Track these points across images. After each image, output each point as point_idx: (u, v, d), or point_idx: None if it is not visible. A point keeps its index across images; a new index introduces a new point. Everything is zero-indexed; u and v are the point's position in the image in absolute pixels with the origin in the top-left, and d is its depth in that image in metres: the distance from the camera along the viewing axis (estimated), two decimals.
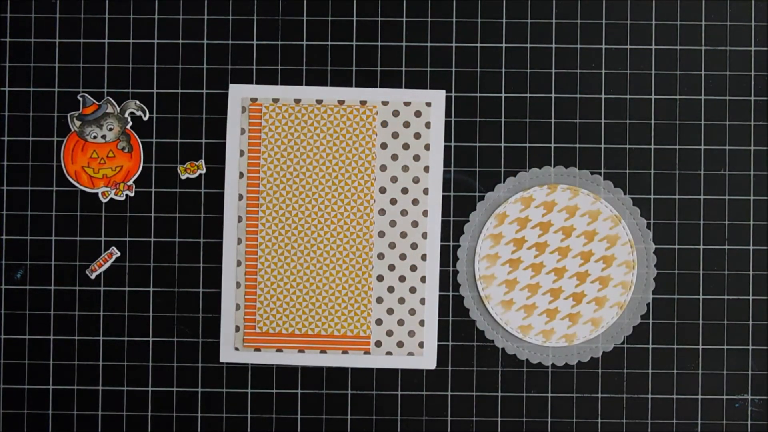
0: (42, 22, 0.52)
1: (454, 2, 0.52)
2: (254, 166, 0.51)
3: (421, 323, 0.51)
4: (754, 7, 0.52)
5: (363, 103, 0.51)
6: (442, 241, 0.52)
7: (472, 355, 0.52)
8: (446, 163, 0.52)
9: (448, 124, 0.52)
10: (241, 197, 0.51)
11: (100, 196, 0.51)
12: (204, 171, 0.52)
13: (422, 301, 0.51)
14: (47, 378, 0.52)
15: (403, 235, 0.51)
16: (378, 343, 0.51)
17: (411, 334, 0.51)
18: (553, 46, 0.52)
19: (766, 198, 0.52)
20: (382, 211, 0.51)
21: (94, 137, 0.51)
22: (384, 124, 0.51)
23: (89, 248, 0.52)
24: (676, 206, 0.52)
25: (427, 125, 0.51)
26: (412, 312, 0.51)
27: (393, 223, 0.51)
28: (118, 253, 0.52)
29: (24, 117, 0.52)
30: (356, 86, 0.51)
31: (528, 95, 0.52)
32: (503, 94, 0.52)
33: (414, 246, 0.51)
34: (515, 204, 0.52)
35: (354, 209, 0.51)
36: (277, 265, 0.51)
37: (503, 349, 0.52)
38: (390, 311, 0.51)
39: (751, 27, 0.52)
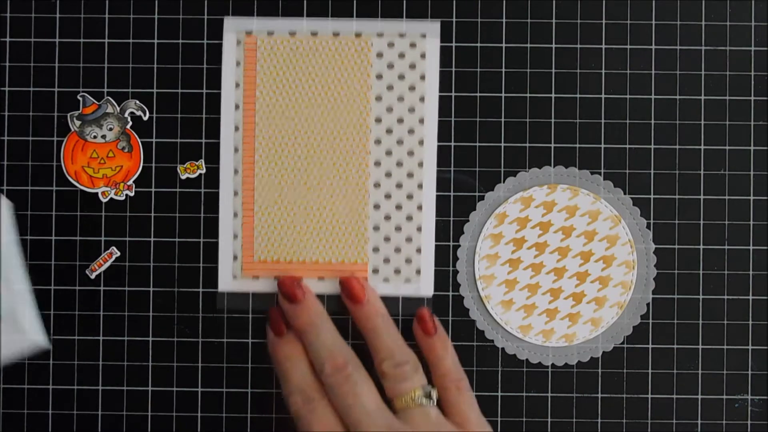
0: (42, 22, 0.52)
1: (454, 2, 0.52)
2: (250, 97, 0.51)
3: (418, 250, 0.51)
4: (754, 7, 0.52)
5: (358, 35, 0.51)
6: (441, 241, 0.52)
7: (472, 355, 0.52)
8: (446, 163, 0.52)
9: (448, 124, 0.52)
10: (237, 128, 0.51)
11: (100, 196, 0.51)
12: (204, 171, 0.52)
13: (419, 229, 0.51)
14: (47, 378, 0.52)
15: (399, 164, 0.51)
16: (375, 270, 0.51)
17: (408, 261, 0.51)
18: (553, 46, 0.52)
19: (766, 198, 0.52)
20: (377, 141, 0.51)
21: (94, 137, 0.51)
22: (379, 55, 0.51)
23: (89, 248, 0.52)
24: (676, 206, 0.52)
25: (423, 56, 0.51)
26: (408, 239, 0.51)
27: (389, 153, 0.51)
28: (118, 253, 0.52)
29: (24, 117, 0.52)
30: (357, 17, 0.51)
31: (528, 95, 0.52)
32: (503, 94, 0.52)
33: (410, 175, 0.51)
34: (515, 204, 0.52)
35: (350, 140, 0.51)
36: (274, 194, 0.51)
37: (503, 349, 0.52)
38: (387, 239, 0.51)
39: (751, 27, 0.52)
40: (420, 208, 0.51)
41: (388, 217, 0.51)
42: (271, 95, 0.51)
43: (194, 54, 0.52)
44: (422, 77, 0.51)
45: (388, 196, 0.51)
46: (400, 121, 0.51)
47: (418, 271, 0.52)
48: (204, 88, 0.52)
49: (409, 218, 0.51)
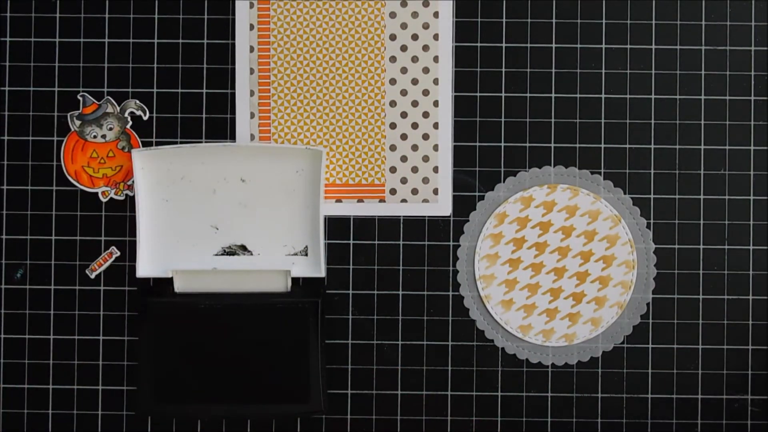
0: (42, 22, 0.52)
1: (454, 2, 0.52)
2: (264, 61, 0.50)
3: (435, 170, 0.51)
4: (754, 7, 0.52)
5: None
6: (441, 241, 0.52)
7: (472, 355, 0.52)
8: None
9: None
10: (252, 71, 0.51)
11: (100, 195, 0.51)
12: None
13: (435, 148, 0.51)
14: (47, 378, 0.52)
15: (415, 81, 0.51)
16: (393, 191, 0.51)
17: (425, 181, 0.51)
18: (553, 46, 0.52)
19: (766, 198, 0.52)
20: (393, 59, 0.51)
21: (94, 137, 0.52)
22: (392, 15, 0.51)
23: (89, 248, 0.52)
24: (676, 206, 0.52)
25: (436, 15, 0.51)
26: (425, 159, 0.51)
27: (404, 70, 0.51)
28: (118, 253, 0.52)
29: (24, 117, 0.52)
30: None
31: (528, 95, 0.52)
32: (503, 94, 0.52)
33: (426, 92, 0.51)
34: (515, 204, 0.52)
35: (364, 56, 0.51)
36: (290, 115, 0.51)
37: (503, 348, 0.52)
38: (404, 159, 0.51)
39: (751, 27, 0.52)
40: (436, 126, 0.51)
41: (404, 137, 0.51)
42: (286, 58, 0.51)
43: (194, 54, 0.52)
44: (435, 37, 0.51)
45: (404, 115, 0.51)
46: (415, 37, 0.51)
47: (436, 191, 0.51)
48: (204, 88, 0.52)
49: (426, 137, 0.51)
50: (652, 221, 0.52)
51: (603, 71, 0.52)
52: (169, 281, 0.50)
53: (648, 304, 0.52)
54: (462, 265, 0.52)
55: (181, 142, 0.52)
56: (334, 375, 0.52)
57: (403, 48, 0.51)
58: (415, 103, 0.51)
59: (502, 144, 0.52)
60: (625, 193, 0.52)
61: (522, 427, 0.52)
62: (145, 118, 0.52)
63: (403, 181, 0.51)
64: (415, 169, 0.51)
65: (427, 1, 0.51)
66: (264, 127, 0.52)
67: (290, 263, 0.51)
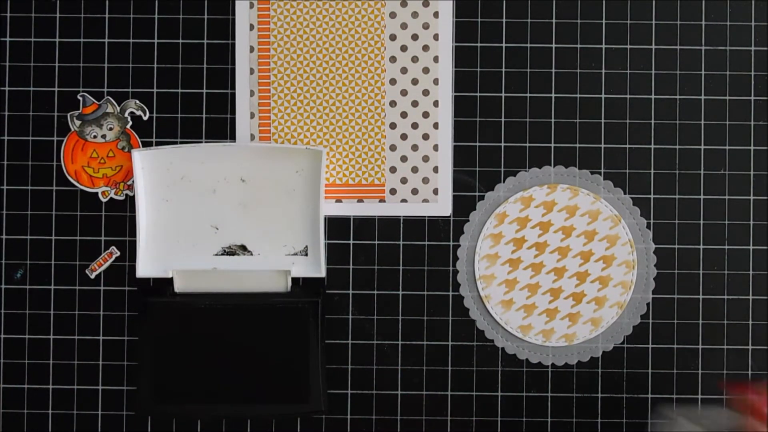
0: (42, 22, 0.52)
1: (454, 2, 0.52)
2: (264, 61, 0.50)
3: (435, 170, 0.51)
4: (754, 7, 0.52)
5: None
6: (441, 241, 0.52)
7: (472, 355, 0.52)
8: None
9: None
10: (252, 71, 0.51)
11: (100, 195, 0.51)
12: None
13: (435, 148, 0.51)
14: (47, 378, 0.52)
15: (415, 81, 0.51)
16: (393, 191, 0.51)
17: (425, 181, 0.51)
18: (553, 46, 0.52)
19: (766, 198, 0.52)
20: (393, 59, 0.51)
21: (94, 137, 0.52)
22: (392, 15, 0.51)
23: (89, 248, 0.52)
24: (676, 206, 0.52)
25: (436, 15, 0.51)
26: (425, 159, 0.51)
27: (404, 70, 0.51)
28: (118, 253, 0.52)
29: (24, 117, 0.52)
30: None
31: (528, 95, 0.52)
32: (503, 94, 0.52)
33: (426, 93, 0.51)
34: (515, 204, 0.52)
35: (364, 56, 0.51)
36: (290, 115, 0.51)
37: (503, 348, 0.52)
38: (404, 159, 0.51)
39: (751, 27, 0.52)
40: (436, 126, 0.51)
41: (404, 137, 0.51)
42: (286, 58, 0.51)
43: (194, 54, 0.52)
44: (435, 37, 0.51)
45: (404, 115, 0.51)
46: (415, 37, 0.51)
47: (436, 191, 0.51)
48: (204, 88, 0.52)
49: (426, 137, 0.51)
50: (652, 221, 0.52)
51: (603, 71, 0.52)
52: (169, 281, 0.50)
53: (648, 304, 0.52)
54: (462, 265, 0.52)
55: (181, 142, 0.52)
56: (334, 375, 0.52)
57: (403, 48, 0.51)
58: (415, 103, 0.52)
59: (502, 144, 0.52)
60: (625, 193, 0.52)
61: (522, 427, 0.52)
62: (145, 118, 0.52)
63: (403, 181, 0.52)
64: (415, 169, 0.51)
65: (427, 1, 0.51)
66: (264, 127, 0.52)
67: (290, 263, 0.51)
